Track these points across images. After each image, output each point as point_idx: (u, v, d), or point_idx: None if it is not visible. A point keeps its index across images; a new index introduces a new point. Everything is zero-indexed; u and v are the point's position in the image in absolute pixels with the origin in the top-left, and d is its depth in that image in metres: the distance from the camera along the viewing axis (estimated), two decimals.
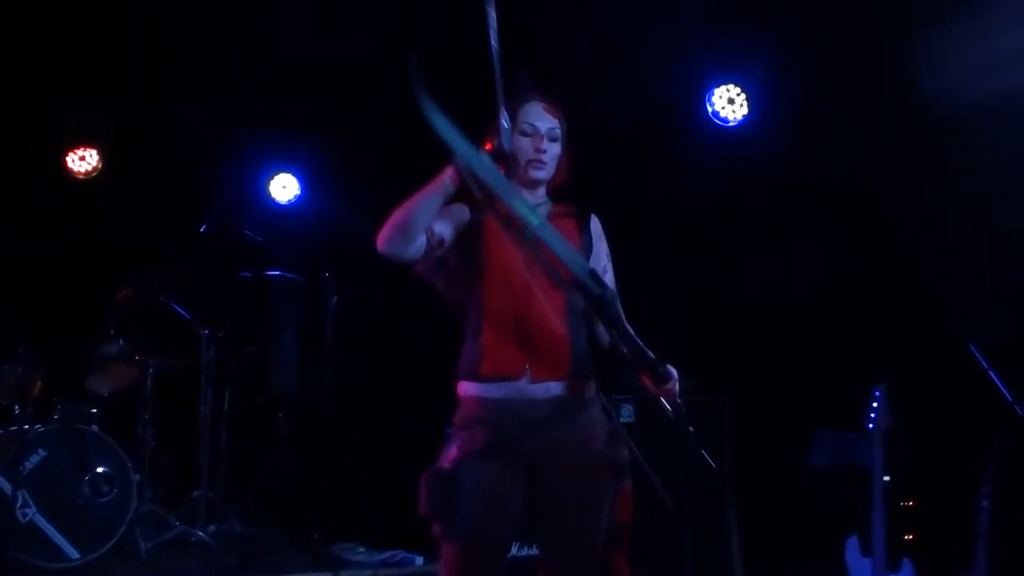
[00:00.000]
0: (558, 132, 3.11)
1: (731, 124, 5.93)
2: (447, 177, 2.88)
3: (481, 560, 2.92)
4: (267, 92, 6.60)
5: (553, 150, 3.10)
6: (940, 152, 5.14)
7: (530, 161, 3.07)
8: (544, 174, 3.10)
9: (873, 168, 5.38)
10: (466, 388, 3.00)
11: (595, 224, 3.19)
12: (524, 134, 3.08)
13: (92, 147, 6.98)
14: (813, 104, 5.62)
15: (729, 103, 5.92)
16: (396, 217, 2.88)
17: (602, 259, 3.15)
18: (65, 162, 6.96)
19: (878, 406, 4.53)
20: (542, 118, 3.09)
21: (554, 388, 2.94)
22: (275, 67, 6.41)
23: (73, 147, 6.97)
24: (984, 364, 4.20)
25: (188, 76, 6.51)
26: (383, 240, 2.89)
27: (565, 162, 3.15)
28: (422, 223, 2.88)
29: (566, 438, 2.94)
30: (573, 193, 3.23)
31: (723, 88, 5.92)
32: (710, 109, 5.94)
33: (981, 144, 4.95)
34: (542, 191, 3.15)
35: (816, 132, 5.59)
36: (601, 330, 3.07)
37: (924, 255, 5.17)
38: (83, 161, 6.99)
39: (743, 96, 5.90)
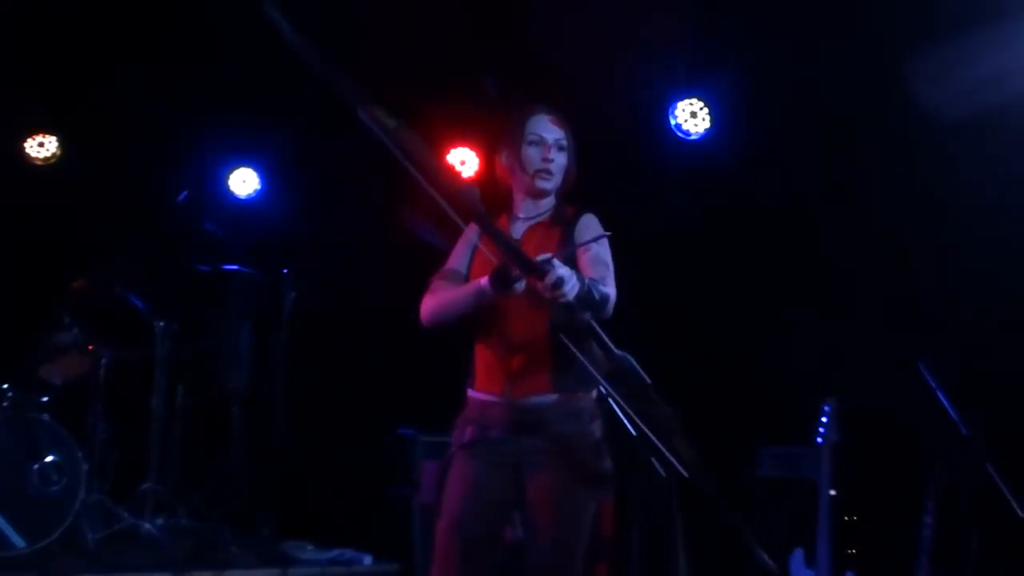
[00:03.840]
0: (565, 143, 3.22)
1: (693, 137, 5.99)
2: (485, 288, 2.98)
3: (456, 547, 3.02)
4: (230, 85, 6.58)
5: (560, 160, 3.20)
6: (898, 170, 5.23)
7: (537, 171, 3.17)
8: (551, 184, 3.20)
9: (831, 184, 5.46)
10: (468, 390, 3.19)
11: (584, 220, 3.23)
12: (532, 144, 3.18)
13: (51, 134, 6.92)
14: (775, 118, 5.69)
15: (692, 116, 5.98)
16: (437, 309, 3.16)
17: (581, 238, 3.16)
18: (23, 148, 6.89)
19: (827, 421, 4.61)
20: (549, 129, 3.20)
21: (535, 400, 3.06)
22: (240, 60, 6.39)
23: (32, 133, 6.91)
24: (932, 383, 4.28)
25: (151, 66, 6.48)
26: (426, 321, 3.20)
27: (573, 172, 3.26)
28: (456, 316, 3.13)
29: (547, 446, 3.03)
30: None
31: (686, 102, 5.98)
32: (673, 122, 6.00)
33: (941, 163, 5.04)
34: (549, 200, 3.25)
35: (778, 146, 5.66)
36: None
37: (877, 272, 5.25)
38: (42, 148, 6.92)
39: (705, 110, 5.97)
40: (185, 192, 6.02)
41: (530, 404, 3.05)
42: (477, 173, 6.22)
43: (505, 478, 3.05)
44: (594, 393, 3.10)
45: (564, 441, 3.03)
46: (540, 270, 2.71)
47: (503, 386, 3.08)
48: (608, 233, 3.15)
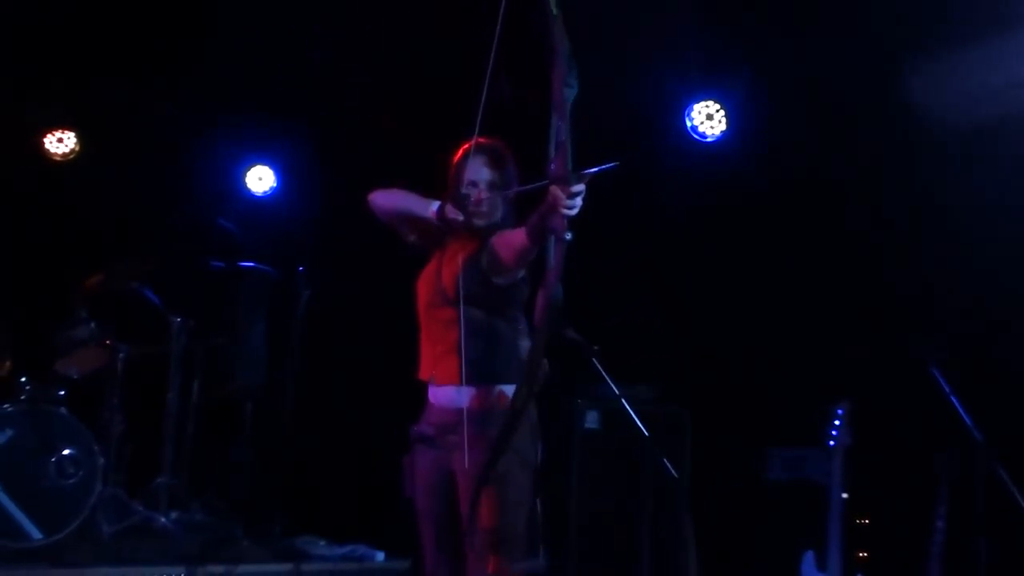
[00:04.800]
0: (498, 180, 3.39)
1: (709, 139, 5.99)
2: (433, 211, 3.35)
3: (427, 526, 3.39)
4: (249, 83, 6.61)
5: (492, 200, 3.37)
6: (914, 172, 5.23)
7: (471, 212, 3.35)
8: (483, 222, 3.36)
9: (846, 186, 5.46)
10: None
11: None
12: (468, 186, 3.37)
13: (70, 130, 6.97)
14: (792, 120, 5.69)
15: (708, 119, 5.99)
16: (387, 196, 3.49)
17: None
18: (42, 144, 6.94)
19: (840, 424, 4.62)
20: (479, 171, 3.38)
21: (453, 394, 3.28)
22: (258, 57, 6.43)
23: (51, 129, 6.95)
24: (945, 387, 4.28)
25: (170, 63, 6.52)
26: (371, 201, 3.50)
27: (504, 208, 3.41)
28: (396, 212, 3.48)
29: (459, 441, 3.22)
30: None
31: (702, 104, 5.99)
32: (689, 124, 6.01)
33: (957, 165, 5.05)
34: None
35: (793, 149, 5.66)
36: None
37: (893, 275, 5.25)
38: (60, 143, 6.97)
39: (722, 112, 5.97)
40: (223, 221, 6.08)
41: (448, 396, 3.30)
42: None
43: (448, 466, 3.30)
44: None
45: (476, 438, 3.21)
46: (573, 177, 2.82)
47: (429, 372, 3.37)
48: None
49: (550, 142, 2.88)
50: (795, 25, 5.51)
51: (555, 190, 2.82)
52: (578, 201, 2.84)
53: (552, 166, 2.85)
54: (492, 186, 3.38)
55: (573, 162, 2.86)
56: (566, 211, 2.81)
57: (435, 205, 3.35)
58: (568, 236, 2.83)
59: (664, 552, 5.40)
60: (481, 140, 3.37)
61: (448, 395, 3.30)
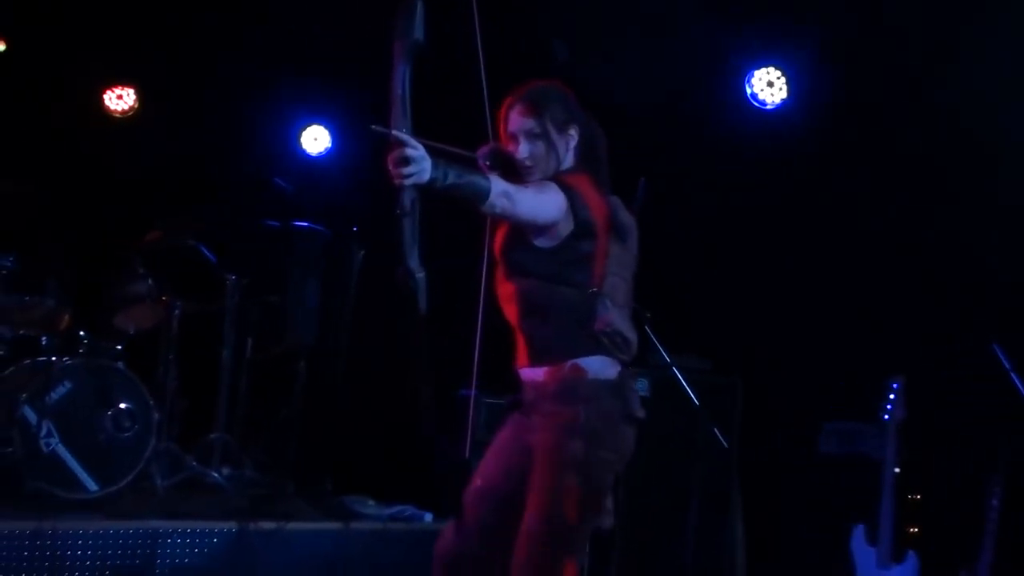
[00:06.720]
0: (538, 129, 3.08)
1: (769, 107, 5.91)
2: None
3: (478, 494, 3.11)
4: (306, 43, 6.62)
5: (536, 149, 3.07)
6: (983, 144, 5.11)
7: (521, 168, 3.08)
8: (537, 176, 3.07)
9: (906, 161, 5.36)
10: None
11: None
12: (510, 141, 3.10)
13: (130, 86, 7.02)
14: (854, 88, 5.58)
15: (768, 86, 5.90)
16: None
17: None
18: (103, 100, 7.00)
19: (895, 398, 4.56)
20: (516, 121, 3.09)
21: (529, 374, 3.08)
22: (316, 18, 6.42)
23: (111, 85, 7.01)
24: (1006, 364, 4.21)
25: (229, 22, 6.54)
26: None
27: (569, 148, 3.12)
28: None
29: (527, 423, 3.04)
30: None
31: (763, 70, 5.90)
32: (749, 91, 5.92)
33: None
34: None
35: (854, 121, 5.57)
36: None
37: (957, 249, 5.15)
38: (120, 100, 7.03)
39: (783, 79, 5.88)
40: (279, 181, 6.09)
41: (527, 375, 3.10)
42: None
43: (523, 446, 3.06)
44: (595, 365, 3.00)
45: (538, 418, 3.03)
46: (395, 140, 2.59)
47: (515, 355, 3.14)
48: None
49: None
50: None
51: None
52: (411, 168, 2.60)
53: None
54: (532, 135, 3.07)
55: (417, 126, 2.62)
56: (396, 179, 2.59)
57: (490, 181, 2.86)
58: (400, 208, 2.62)
59: (711, 522, 5.39)
60: (530, 85, 3.12)
61: (526, 375, 3.09)
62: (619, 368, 3.03)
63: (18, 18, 6.47)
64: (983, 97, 4.97)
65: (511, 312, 3.07)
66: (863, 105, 5.52)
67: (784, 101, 5.88)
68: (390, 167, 2.59)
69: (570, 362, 2.98)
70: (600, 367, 3.00)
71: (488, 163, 3.05)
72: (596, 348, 2.99)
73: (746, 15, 5.73)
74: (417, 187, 2.63)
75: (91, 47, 6.72)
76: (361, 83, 6.69)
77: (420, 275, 2.76)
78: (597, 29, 5.82)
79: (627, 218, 3.17)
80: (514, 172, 3.04)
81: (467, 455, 3.37)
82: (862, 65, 5.51)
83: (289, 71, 6.77)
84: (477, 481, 3.12)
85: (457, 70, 3.11)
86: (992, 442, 4.42)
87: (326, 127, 7.22)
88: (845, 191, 5.54)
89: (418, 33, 2.68)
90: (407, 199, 2.62)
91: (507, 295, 3.07)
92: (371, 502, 5.54)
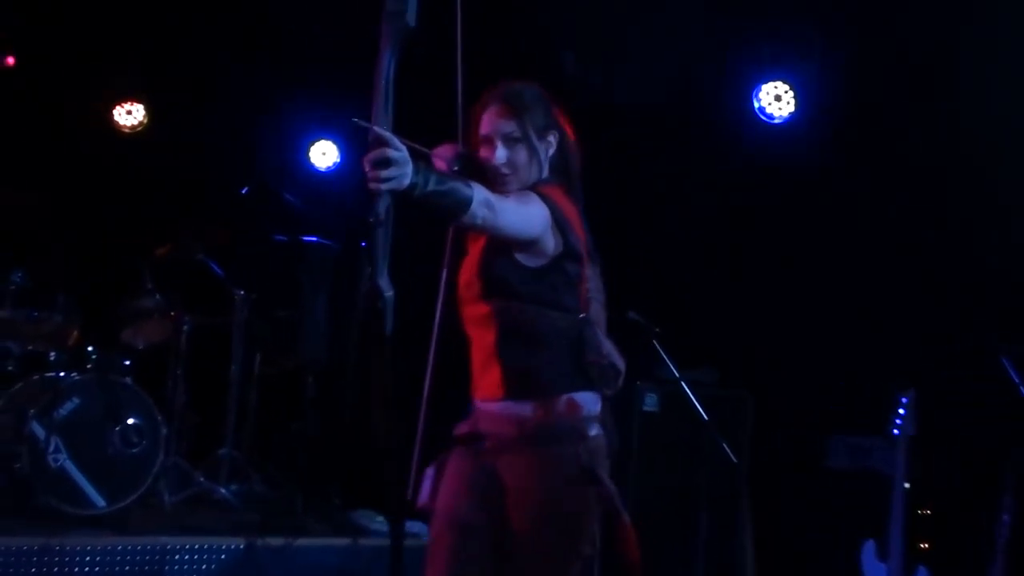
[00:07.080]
0: (518, 133, 2.73)
1: (776, 121, 5.90)
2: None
3: (452, 537, 2.78)
4: (315, 57, 6.63)
5: (515, 155, 2.73)
6: (992, 157, 5.10)
7: (494, 175, 2.73)
8: (514, 184, 2.73)
9: (914, 174, 5.35)
10: None
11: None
12: (483, 145, 2.77)
13: (139, 102, 7.05)
14: (862, 102, 5.58)
15: (776, 100, 5.89)
16: None
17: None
18: (112, 115, 7.02)
19: (905, 413, 4.54)
20: (495, 124, 2.75)
21: (496, 409, 2.70)
22: (325, 32, 6.43)
23: (120, 101, 7.04)
24: (1016, 378, 4.19)
25: (237, 37, 6.56)
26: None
27: (546, 154, 2.79)
28: None
29: (511, 481, 2.66)
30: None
31: (771, 84, 5.89)
32: (756, 104, 5.92)
33: None
34: None
35: (862, 135, 5.56)
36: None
37: (966, 262, 5.14)
38: (129, 115, 7.05)
39: (791, 93, 5.87)
40: (247, 188, 6.09)
41: (490, 411, 2.72)
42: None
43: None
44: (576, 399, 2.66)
45: (525, 476, 2.66)
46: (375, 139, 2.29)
47: (471, 386, 2.79)
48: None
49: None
50: (870, 8, 5.39)
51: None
52: (391, 171, 2.27)
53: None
54: (511, 139, 2.72)
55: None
56: (372, 183, 2.26)
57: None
58: (374, 216, 2.29)
59: (721, 537, 5.36)
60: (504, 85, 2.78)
61: (494, 409, 2.70)
62: (602, 403, 2.72)
63: (28, 34, 6.50)
64: (1002, 110, 4.96)
65: (482, 337, 2.72)
66: (871, 119, 5.51)
67: (792, 114, 5.87)
68: (367, 169, 2.30)
69: (565, 396, 2.64)
70: (592, 403, 2.69)
71: (456, 168, 2.72)
72: (587, 382, 2.67)
73: (754, 27, 5.73)
74: (393, 193, 2.32)
75: (100, 63, 6.75)
76: (370, 99, 6.70)
77: (389, 294, 2.45)
78: (605, 42, 5.82)
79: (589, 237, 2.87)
80: (484, 180, 2.66)
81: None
82: (870, 79, 5.51)
83: (298, 86, 6.79)
84: (442, 515, 2.79)
85: (432, 60, 2.79)
86: (1003, 457, 4.39)
87: (335, 142, 7.23)
88: (853, 204, 5.53)
89: (409, 17, 2.34)
90: (382, 207, 2.31)
91: (477, 317, 2.73)
92: (379, 518, 5.53)
